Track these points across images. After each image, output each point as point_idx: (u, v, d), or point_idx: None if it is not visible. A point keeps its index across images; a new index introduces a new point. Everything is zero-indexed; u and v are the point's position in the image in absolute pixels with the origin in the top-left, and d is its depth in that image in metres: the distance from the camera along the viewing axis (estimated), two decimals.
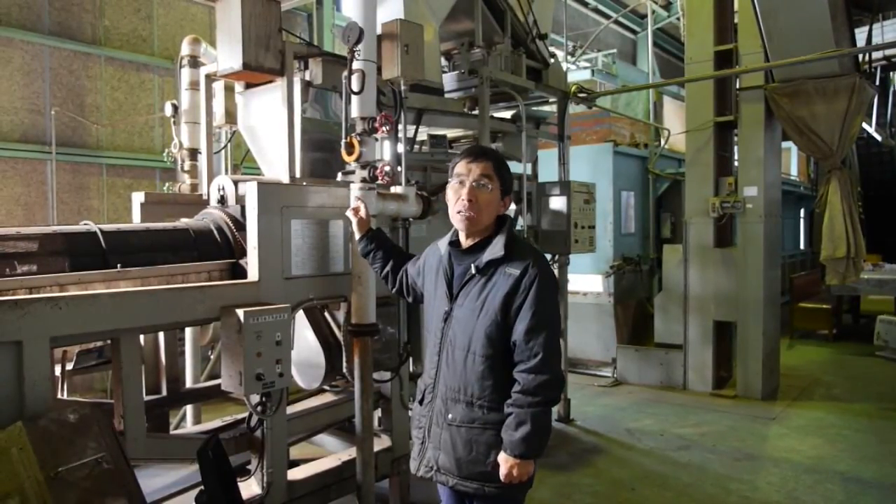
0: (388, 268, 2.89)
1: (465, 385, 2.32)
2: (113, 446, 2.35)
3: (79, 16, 6.65)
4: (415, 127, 4.37)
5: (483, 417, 2.28)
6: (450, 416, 2.34)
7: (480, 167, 2.37)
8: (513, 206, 5.94)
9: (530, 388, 2.19)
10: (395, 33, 3.40)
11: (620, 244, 8.34)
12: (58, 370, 3.35)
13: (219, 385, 3.08)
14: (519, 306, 2.25)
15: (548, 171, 6.38)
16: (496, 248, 2.33)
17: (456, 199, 2.39)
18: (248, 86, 3.69)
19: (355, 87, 3.12)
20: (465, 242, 2.45)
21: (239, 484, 2.86)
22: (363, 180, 3.15)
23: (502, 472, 2.22)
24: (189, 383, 4.34)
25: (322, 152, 3.75)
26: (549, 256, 6.02)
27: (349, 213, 3.08)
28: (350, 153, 3.13)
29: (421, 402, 2.50)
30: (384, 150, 3.61)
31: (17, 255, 2.68)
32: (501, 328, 2.27)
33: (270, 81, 3.46)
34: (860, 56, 6.44)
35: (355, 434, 3.31)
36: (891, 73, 11.43)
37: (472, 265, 2.36)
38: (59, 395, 3.33)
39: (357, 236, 3.04)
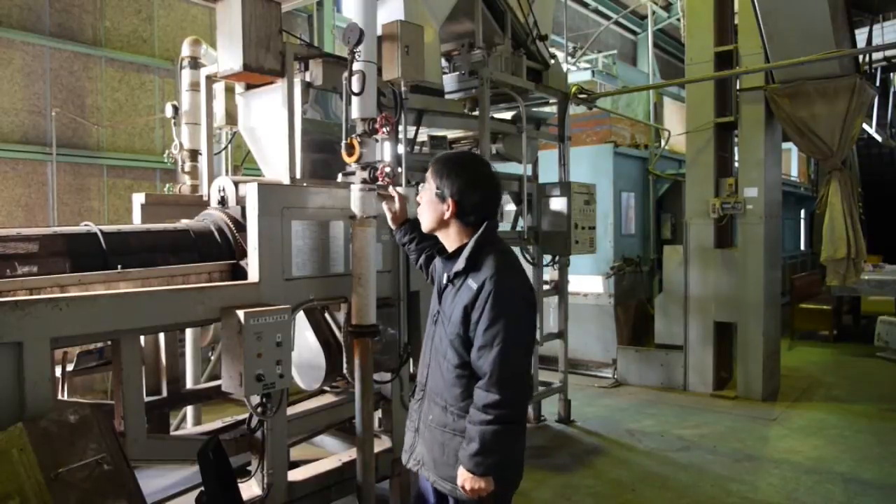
0: (421, 259, 2.86)
1: (441, 389, 2.33)
2: (113, 447, 2.35)
3: (79, 17, 6.66)
4: (415, 128, 4.37)
5: (453, 424, 2.28)
6: (430, 416, 2.38)
7: (428, 171, 2.44)
8: (513, 207, 5.96)
9: (479, 405, 2.15)
10: (396, 34, 3.41)
11: (621, 245, 8.34)
12: (58, 371, 3.36)
13: (219, 386, 3.08)
14: (476, 321, 2.20)
15: (548, 172, 6.38)
16: (460, 260, 2.32)
17: None
18: (249, 87, 3.69)
19: (356, 88, 3.11)
20: (448, 248, 2.46)
21: (239, 485, 2.86)
22: (363, 181, 3.15)
23: (458, 482, 2.20)
24: (189, 384, 4.34)
25: (322, 153, 3.75)
26: (548, 258, 6.02)
27: (384, 206, 3.00)
28: (350, 154, 3.13)
29: (413, 397, 2.55)
30: (384, 151, 3.61)
31: (17, 257, 2.68)
32: (464, 340, 2.25)
33: (271, 83, 3.46)
34: (860, 57, 6.44)
35: (356, 435, 3.31)
36: (891, 74, 11.41)
37: (446, 273, 2.40)
38: (59, 397, 3.34)
39: (393, 227, 2.98)
